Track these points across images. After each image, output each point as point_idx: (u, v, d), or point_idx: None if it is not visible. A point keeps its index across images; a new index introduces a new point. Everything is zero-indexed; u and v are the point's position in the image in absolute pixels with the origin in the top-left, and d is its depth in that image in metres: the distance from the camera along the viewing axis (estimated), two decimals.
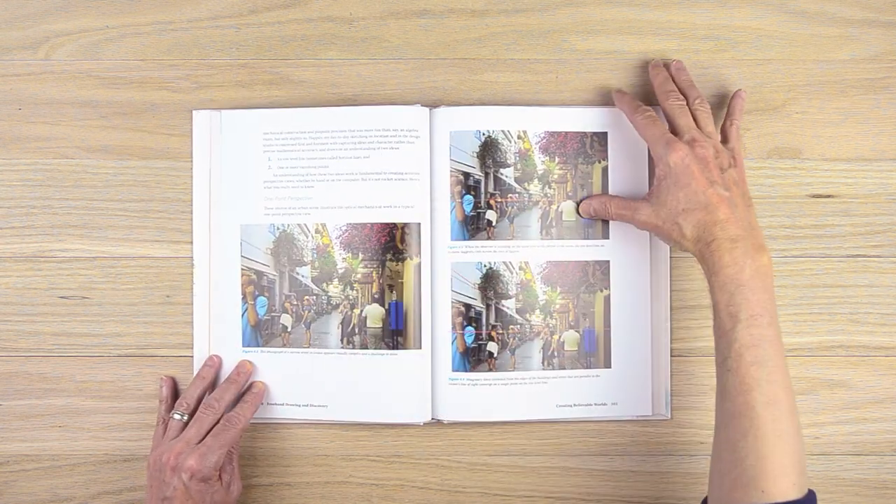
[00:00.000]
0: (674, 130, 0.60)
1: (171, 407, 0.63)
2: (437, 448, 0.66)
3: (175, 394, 0.65)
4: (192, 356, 0.65)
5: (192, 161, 0.66)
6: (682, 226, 0.57)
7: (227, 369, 0.65)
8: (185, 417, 0.61)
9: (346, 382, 0.64)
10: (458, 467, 0.66)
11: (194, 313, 0.65)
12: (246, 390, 0.64)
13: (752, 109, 0.66)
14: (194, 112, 0.65)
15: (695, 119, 0.61)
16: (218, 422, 0.61)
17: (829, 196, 0.66)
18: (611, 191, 0.65)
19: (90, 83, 0.66)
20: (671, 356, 0.65)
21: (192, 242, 0.66)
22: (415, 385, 0.63)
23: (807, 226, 0.66)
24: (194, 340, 0.65)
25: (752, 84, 0.66)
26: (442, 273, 0.64)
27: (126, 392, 0.66)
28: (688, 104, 0.62)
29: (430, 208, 0.64)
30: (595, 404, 0.64)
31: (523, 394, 0.64)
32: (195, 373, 0.65)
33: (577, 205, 0.64)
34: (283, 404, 0.65)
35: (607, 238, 0.65)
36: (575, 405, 0.64)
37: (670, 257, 0.65)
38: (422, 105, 0.64)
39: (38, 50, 0.66)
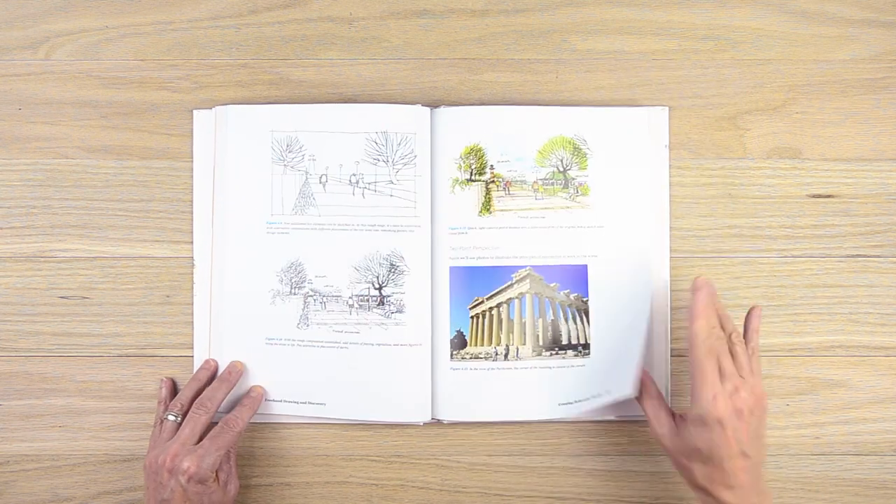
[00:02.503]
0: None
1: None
2: (437, 448, 0.66)
3: (174, 395, 0.65)
4: (192, 356, 0.65)
5: (192, 161, 0.66)
6: (693, 471, 0.57)
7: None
8: (179, 419, 0.61)
9: (344, 376, 0.64)
10: (458, 467, 0.66)
11: (194, 313, 0.65)
12: (245, 394, 0.64)
13: (752, 109, 0.66)
14: (195, 111, 0.65)
15: (732, 353, 0.58)
16: (211, 421, 0.61)
17: (829, 196, 0.66)
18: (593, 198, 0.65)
19: (90, 83, 0.66)
20: (671, 356, 0.65)
21: (192, 242, 0.66)
22: (414, 375, 0.64)
23: (807, 226, 0.66)
24: (194, 340, 0.65)
25: (752, 84, 0.66)
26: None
27: (126, 392, 0.66)
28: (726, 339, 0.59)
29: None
30: (592, 397, 0.64)
31: (520, 382, 0.64)
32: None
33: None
34: (281, 401, 0.65)
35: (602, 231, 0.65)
36: (576, 401, 0.64)
37: (670, 257, 0.65)
38: (422, 105, 0.65)
39: (38, 50, 0.66)
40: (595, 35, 0.66)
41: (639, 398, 0.61)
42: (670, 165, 0.65)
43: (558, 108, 0.65)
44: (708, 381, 0.56)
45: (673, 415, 0.60)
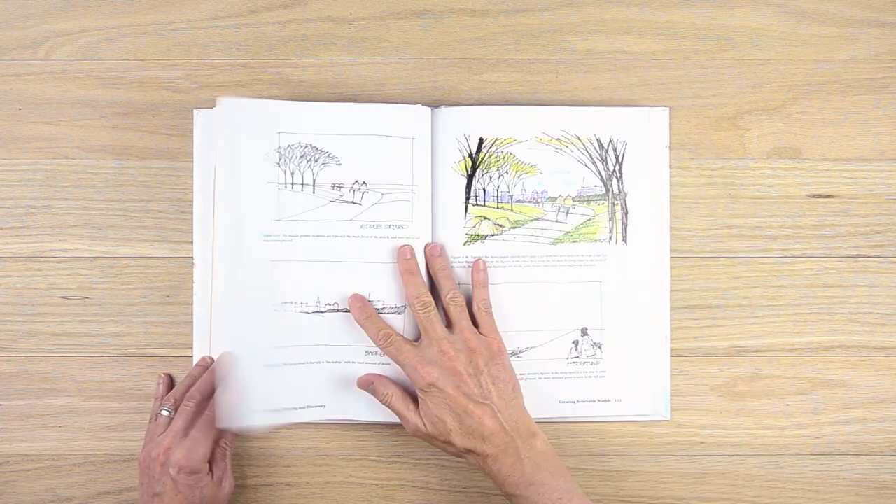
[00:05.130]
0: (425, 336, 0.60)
1: None
2: (438, 448, 0.66)
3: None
4: (191, 356, 0.65)
5: (192, 161, 0.66)
6: (454, 442, 0.58)
7: None
8: (172, 413, 0.61)
9: (343, 377, 0.64)
10: (458, 467, 0.66)
11: (194, 313, 0.65)
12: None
13: (752, 109, 0.66)
14: (195, 111, 0.65)
15: (447, 315, 0.61)
16: (203, 413, 0.61)
17: (829, 196, 0.66)
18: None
19: (90, 83, 0.66)
20: (671, 356, 0.65)
21: (192, 242, 0.66)
22: None
23: (807, 226, 0.66)
24: (194, 340, 0.65)
25: (752, 84, 0.66)
26: None
27: (126, 392, 0.66)
28: (441, 297, 0.61)
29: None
30: (599, 400, 0.64)
31: (529, 389, 0.64)
32: None
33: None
34: (280, 409, 0.63)
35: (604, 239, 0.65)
36: (578, 401, 0.64)
37: (670, 257, 0.65)
38: (423, 105, 0.64)
39: (38, 50, 0.66)
40: (595, 35, 0.66)
41: (386, 402, 0.61)
42: (670, 165, 0.65)
43: (558, 108, 0.65)
44: (404, 357, 0.59)
45: (416, 402, 0.60)
